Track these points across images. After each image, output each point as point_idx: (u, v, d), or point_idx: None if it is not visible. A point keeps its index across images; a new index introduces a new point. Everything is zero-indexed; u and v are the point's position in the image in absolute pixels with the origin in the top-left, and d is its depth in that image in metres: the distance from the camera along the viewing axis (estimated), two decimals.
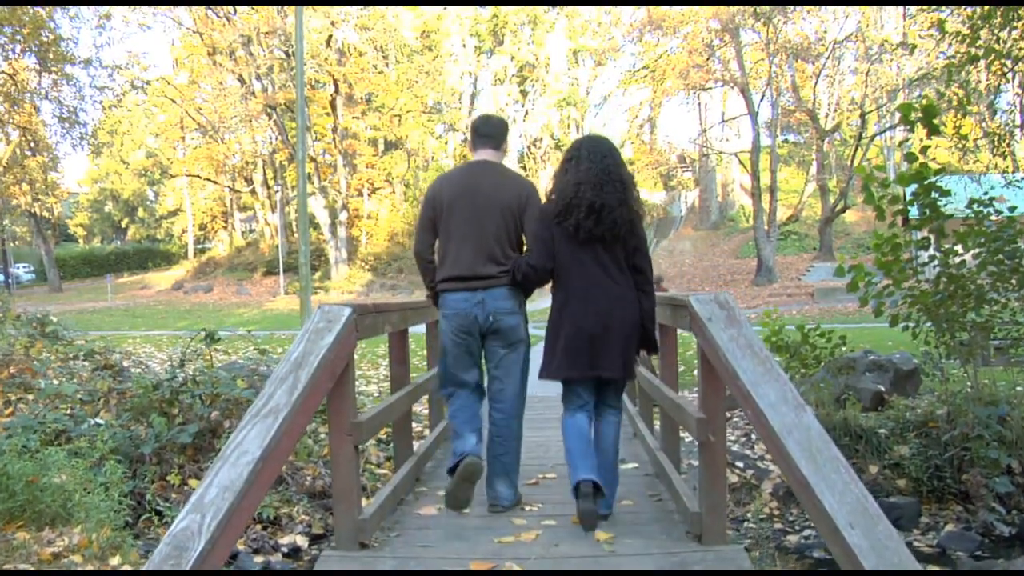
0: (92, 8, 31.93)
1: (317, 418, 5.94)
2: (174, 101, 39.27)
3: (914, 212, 6.15)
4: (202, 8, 34.66)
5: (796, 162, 41.24)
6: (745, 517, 5.72)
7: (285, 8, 31.26)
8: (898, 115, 6.48)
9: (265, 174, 42.11)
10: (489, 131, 3.88)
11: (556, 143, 42.07)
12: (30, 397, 6.45)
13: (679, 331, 4.26)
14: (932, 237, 6.11)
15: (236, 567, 4.75)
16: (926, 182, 5.89)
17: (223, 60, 35.96)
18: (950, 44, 9.46)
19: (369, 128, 38.08)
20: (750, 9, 26.26)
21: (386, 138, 39.69)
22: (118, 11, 33.55)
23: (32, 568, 3.95)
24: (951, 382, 6.65)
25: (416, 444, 4.79)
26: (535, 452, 4.99)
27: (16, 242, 48.14)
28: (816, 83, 30.59)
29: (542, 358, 3.62)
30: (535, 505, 3.91)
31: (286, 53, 33.11)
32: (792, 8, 27.73)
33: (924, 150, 6.01)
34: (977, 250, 6.07)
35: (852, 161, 29.23)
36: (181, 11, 35.80)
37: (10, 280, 39.59)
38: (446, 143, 42.79)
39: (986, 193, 6.35)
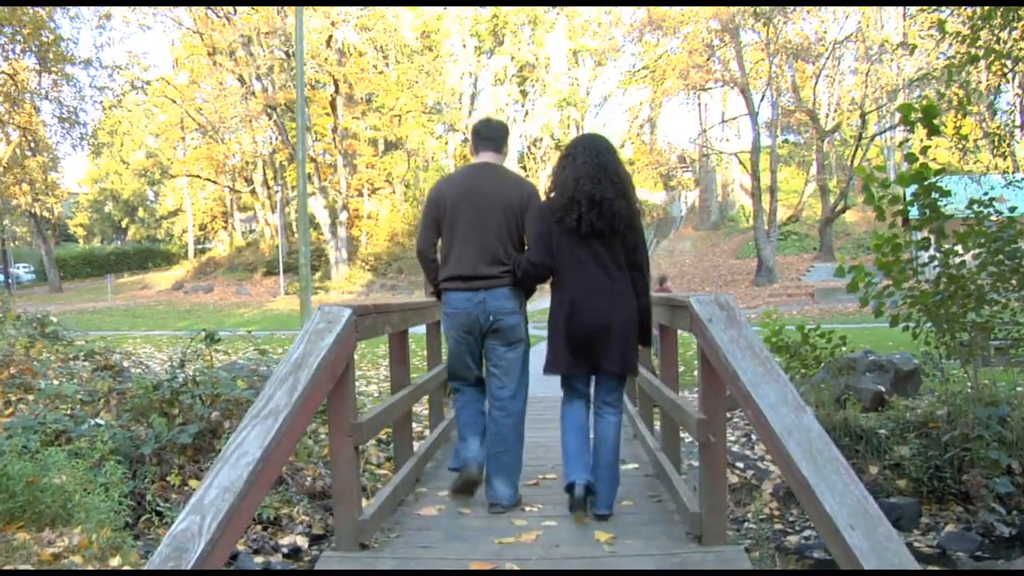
0: (92, 8, 31.99)
1: (317, 419, 5.94)
2: (174, 101, 39.29)
3: (914, 212, 6.15)
4: (202, 8, 34.68)
5: (796, 162, 41.25)
6: (745, 518, 5.72)
7: (285, 8, 31.27)
8: (898, 115, 6.48)
9: (265, 174, 42.12)
10: (491, 134, 3.94)
11: (556, 143, 42.04)
12: (30, 397, 6.44)
13: (679, 332, 4.25)
14: (932, 237, 6.11)
15: (236, 567, 4.75)
16: (926, 182, 5.89)
17: (223, 60, 35.97)
18: (950, 44, 9.47)
19: (369, 128, 38.09)
20: (750, 9, 26.27)
21: (386, 138, 39.71)
22: (118, 11, 33.62)
23: (32, 568, 3.95)
24: (951, 382, 6.65)
25: (416, 445, 4.79)
26: (535, 453, 4.98)
27: (16, 242, 48.16)
28: (816, 83, 30.61)
29: (545, 354, 3.69)
30: (535, 506, 3.91)
31: (286, 53, 33.12)
32: (792, 8, 27.74)
33: (924, 150, 6.01)
34: (977, 250, 6.07)
35: (852, 161, 29.24)
36: (181, 11, 35.86)
37: (10, 280, 39.60)
38: (446, 143, 42.78)
39: (986, 193, 6.35)
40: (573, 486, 3.55)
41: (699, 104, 37.49)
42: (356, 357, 3.59)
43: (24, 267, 47.40)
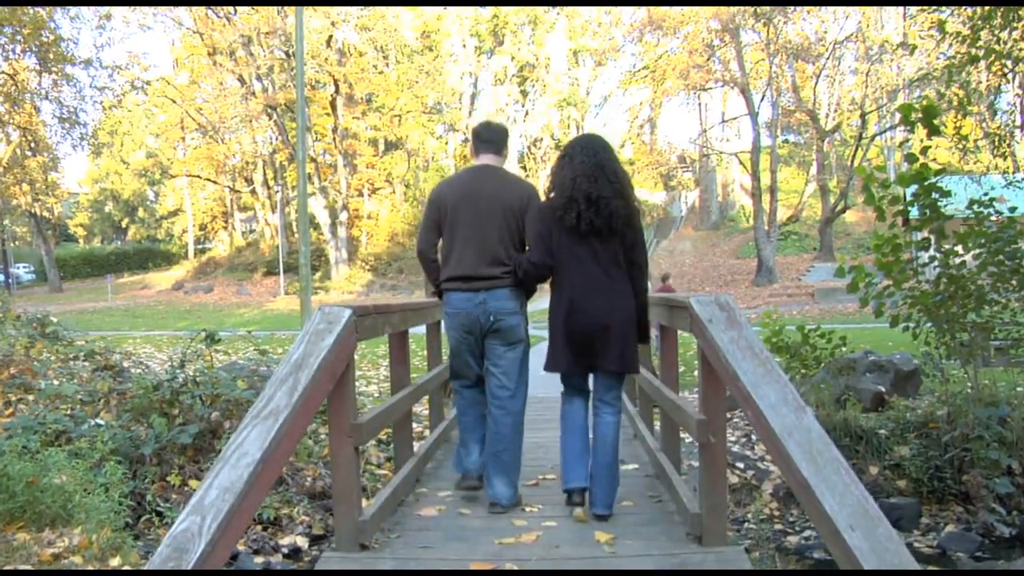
0: (92, 8, 32.00)
1: (317, 419, 5.94)
2: (174, 101, 39.29)
3: (914, 213, 6.15)
4: (202, 8, 34.68)
5: (796, 162, 41.25)
6: (745, 518, 5.72)
7: (285, 8, 31.27)
8: (898, 115, 6.48)
9: (265, 174, 42.12)
10: (491, 137, 3.99)
11: (556, 143, 42.03)
12: (30, 398, 6.44)
13: (680, 332, 4.25)
14: (932, 238, 6.11)
15: (236, 568, 4.75)
16: (926, 183, 5.89)
17: (223, 60, 35.97)
18: (950, 44, 9.47)
19: (369, 128, 38.09)
20: (750, 9, 26.27)
21: (386, 138, 39.71)
22: (118, 11, 33.62)
23: (32, 568, 3.95)
24: (951, 383, 6.65)
25: (416, 445, 4.78)
26: (535, 453, 4.98)
27: (16, 242, 48.16)
28: (816, 83, 30.61)
29: (546, 352, 3.72)
30: (535, 506, 3.91)
31: (286, 53, 33.12)
32: (792, 8, 27.75)
33: (924, 151, 6.01)
34: (977, 251, 6.07)
35: (852, 161, 29.24)
36: (181, 11, 35.86)
37: (10, 280, 39.61)
38: (446, 143, 42.79)
39: (986, 194, 6.35)
40: (571, 492, 3.69)
41: (699, 104, 37.53)
42: (356, 357, 3.59)
43: (24, 267, 47.41)
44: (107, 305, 33.31)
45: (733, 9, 27.31)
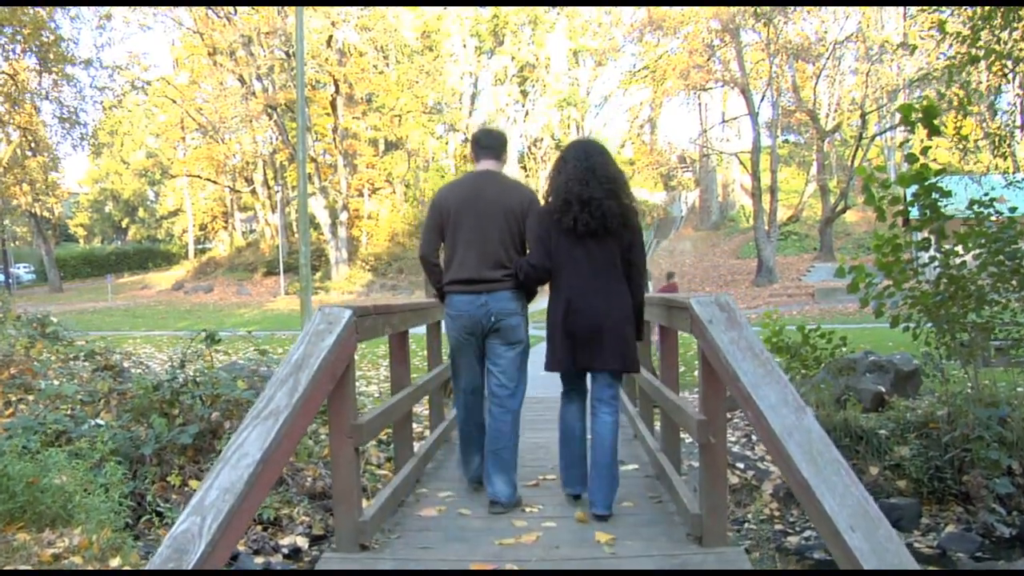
0: (92, 8, 32.00)
1: (317, 419, 5.94)
2: (174, 101, 39.28)
3: (915, 213, 6.15)
4: (202, 8, 34.67)
5: (796, 162, 41.24)
6: (746, 518, 5.72)
7: (285, 8, 31.26)
8: (898, 116, 6.48)
9: (265, 174, 42.11)
10: (491, 143, 4.08)
11: (556, 143, 42.04)
12: (30, 398, 6.45)
13: (680, 332, 4.26)
14: (933, 238, 6.11)
15: (237, 568, 4.75)
16: (927, 183, 5.89)
17: (223, 60, 35.96)
18: (951, 45, 9.47)
19: (369, 128, 38.07)
20: (750, 9, 26.27)
21: (386, 138, 39.70)
22: (118, 11, 33.61)
23: (32, 569, 3.95)
24: (951, 383, 6.65)
25: (416, 445, 4.79)
26: (535, 454, 4.98)
27: (16, 242, 48.15)
28: (816, 83, 30.61)
29: (545, 352, 3.77)
30: (535, 507, 3.91)
31: (286, 53, 33.12)
32: (792, 8, 27.74)
33: (925, 151, 6.01)
34: (978, 251, 6.07)
35: (852, 161, 29.23)
36: (181, 11, 35.84)
37: (10, 280, 39.62)
38: (446, 143, 42.81)
39: (986, 194, 6.35)
40: (570, 495, 3.94)
41: (699, 104, 37.50)
42: (356, 357, 3.60)
43: (24, 267, 47.41)
44: (107, 305, 33.31)
45: (733, 9, 27.31)
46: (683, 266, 32.55)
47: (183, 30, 37.46)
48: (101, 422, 5.72)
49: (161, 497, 5.17)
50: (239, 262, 41.56)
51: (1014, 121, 13.27)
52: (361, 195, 39.62)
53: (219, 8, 34.76)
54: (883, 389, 7.03)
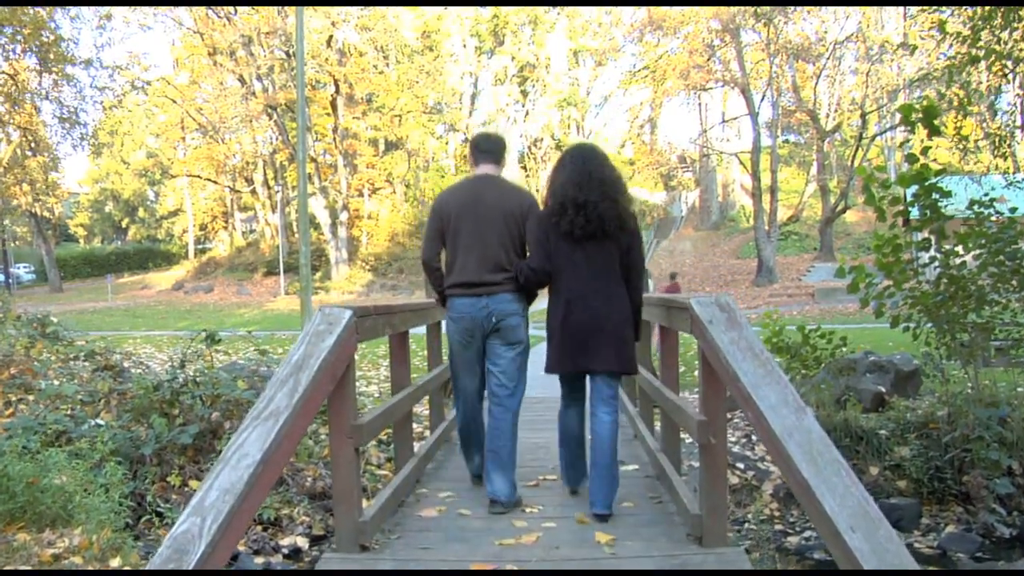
0: (92, 8, 32.00)
1: (317, 419, 5.94)
2: (174, 101, 39.27)
3: (915, 213, 6.14)
4: (202, 8, 34.66)
5: (797, 162, 41.23)
6: (746, 518, 5.72)
7: (285, 8, 31.25)
8: (899, 116, 6.48)
9: (266, 174, 42.11)
10: (490, 147, 4.13)
11: (556, 143, 42.03)
12: (31, 398, 6.45)
13: (680, 332, 4.26)
14: (933, 238, 6.11)
15: (237, 568, 4.75)
16: (927, 183, 5.89)
17: (224, 60, 35.96)
18: (951, 45, 9.47)
19: (370, 128, 38.06)
20: (750, 9, 26.27)
21: (387, 138, 39.68)
22: (118, 11, 33.61)
23: (32, 569, 3.95)
24: (952, 383, 6.65)
25: (417, 445, 4.79)
26: (535, 454, 4.98)
27: (17, 242, 48.16)
28: (817, 83, 30.60)
29: (545, 354, 3.82)
30: (535, 507, 3.91)
31: (287, 53, 33.11)
32: (792, 8, 27.74)
33: (925, 151, 6.01)
34: (978, 251, 6.07)
35: (853, 161, 29.22)
36: (181, 11, 35.84)
37: (11, 280, 39.63)
38: (446, 143, 42.80)
39: (987, 194, 6.35)
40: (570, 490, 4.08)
41: (699, 104, 37.48)
42: (356, 357, 3.60)
43: (24, 267, 47.41)
44: (107, 305, 33.30)
45: (733, 9, 27.30)
46: (683, 266, 32.55)
47: (183, 30, 37.48)
48: (101, 422, 5.72)
49: (161, 497, 5.17)
50: (239, 262, 41.55)
51: (1014, 121, 13.27)
52: (361, 195, 39.61)
53: (219, 8, 34.76)
54: (883, 389, 7.03)
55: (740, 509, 5.84)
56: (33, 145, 33.70)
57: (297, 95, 16.76)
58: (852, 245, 30.61)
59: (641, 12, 33.76)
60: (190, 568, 1.89)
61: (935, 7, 10.56)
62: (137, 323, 26.92)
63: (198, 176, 43.45)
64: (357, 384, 4.73)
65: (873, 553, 1.87)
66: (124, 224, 58.36)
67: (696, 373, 4.13)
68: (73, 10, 31.08)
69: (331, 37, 34.81)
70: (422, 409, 7.08)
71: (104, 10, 32.48)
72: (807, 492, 2.11)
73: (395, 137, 39.05)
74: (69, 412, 5.99)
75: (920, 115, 5.97)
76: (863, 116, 29.61)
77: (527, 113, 42.73)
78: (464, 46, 40.23)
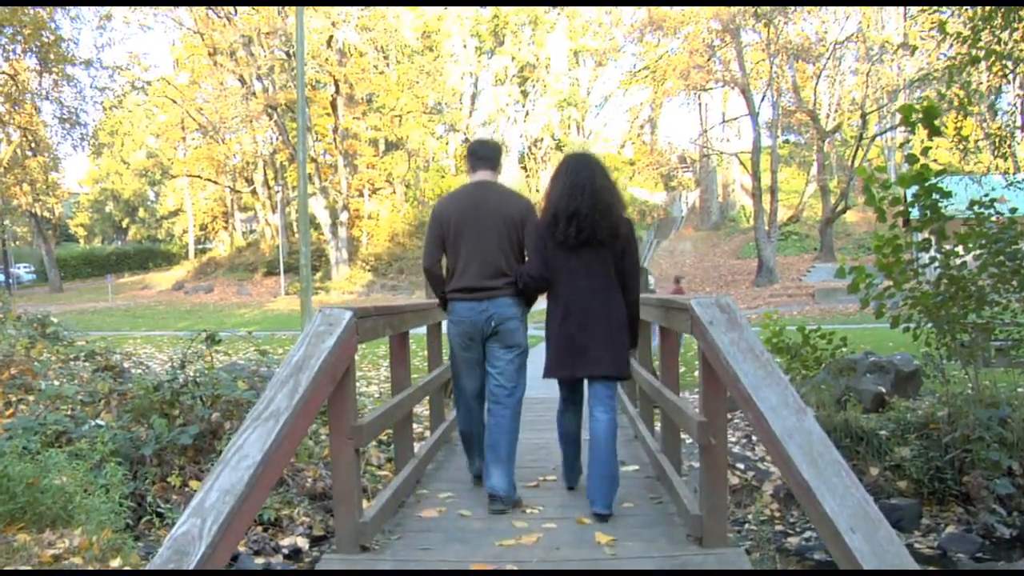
0: (93, 9, 32.03)
1: (318, 419, 5.94)
2: (175, 101, 39.28)
3: (915, 213, 6.14)
4: (203, 8, 34.66)
5: (797, 163, 41.24)
6: (746, 519, 5.72)
7: (286, 8, 31.25)
8: (899, 116, 6.48)
9: (266, 174, 42.11)
10: (487, 154, 4.21)
11: (557, 144, 42.05)
12: (31, 398, 6.45)
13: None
14: (933, 238, 6.11)
15: (237, 568, 4.75)
16: (927, 183, 5.89)
17: (224, 60, 35.96)
18: (951, 45, 9.47)
19: (370, 128, 38.06)
20: (750, 9, 26.28)
21: (387, 138, 39.68)
22: (119, 12, 33.63)
23: (32, 569, 3.95)
24: (952, 384, 6.64)
25: (417, 446, 4.79)
26: (536, 455, 4.98)
27: (17, 242, 48.17)
28: (817, 84, 30.61)
29: (544, 358, 3.88)
30: (536, 508, 3.91)
31: (287, 53, 33.11)
32: (792, 8, 27.74)
33: (925, 151, 6.01)
34: (978, 252, 6.07)
35: (853, 162, 29.22)
36: (182, 11, 35.85)
37: (11, 280, 39.62)
38: (447, 143, 42.79)
39: (987, 194, 6.35)
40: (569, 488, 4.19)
41: (700, 104, 37.50)
42: (356, 358, 3.60)
43: (25, 267, 47.41)
44: (107, 305, 33.30)
45: (733, 9, 27.31)
46: (683, 266, 32.57)
47: (183, 30, 37.49)
48: (101, 423, 5.72)
49: (161, 498, 5.17)
50: (239, 262, 41.55)
51: (1014, 121, 13.27)
52: (361, 195, 39.61)
53: (219, 8, 34.76)
54: (883, 390, 7.03)
55: (740, 510, 5.84)
56: (33, 145, 33.73)
57: (297, 95, 16.76)
58: (852, 245, 30.62)
59: (641, 12, 33.80)
60: (190, 569, 1.89)
61: (935, 7, 10.55)
62: (137, 323, 26.92)
63: (198, 176, 43.46)
64: (357, 384, 4.73)
65: (873, 554, 1.87)
66: (124, 224, 58.36)
67: (696, 373, 4.13)
68: (73, 10, 31.14)
69: (331, 37, 34.81)
70: (422, 410, 7.08)
71: (104, 10, 32.54)
72: (807, 493, 2.11)
73: (395, 137, 39.05)
74: (69, 412, 5.99)
75: (920, 115, 5.97)
76: (863, 116, 29.60)
77: (527, 113, 42.73)
78: (464, 46, 40.23)
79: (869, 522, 1.96)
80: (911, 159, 6.00)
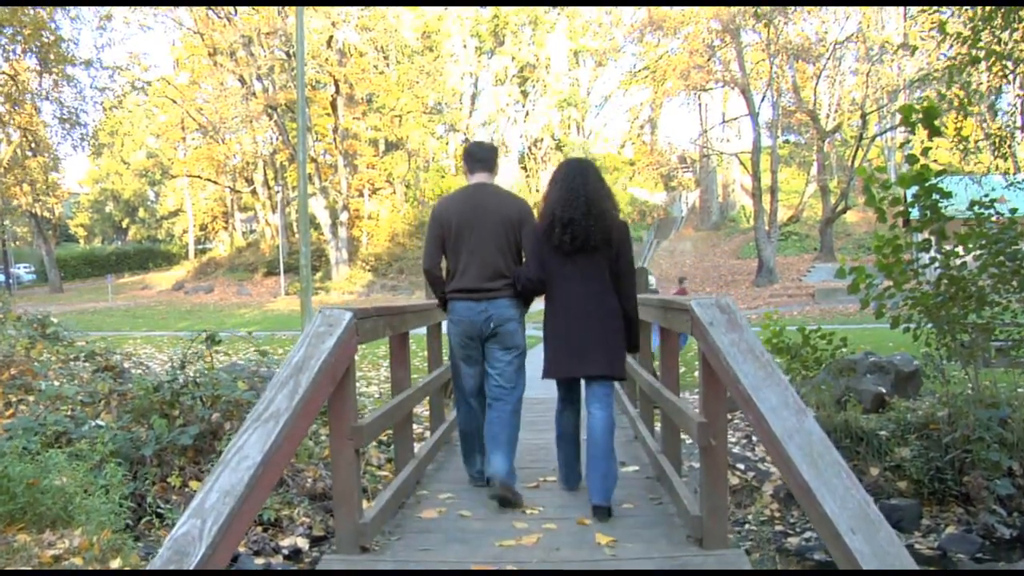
0: (92, 9, 32.06)
1: (318, 419, 5.94)
2: (175, 102, 39.28)
3: (915, 214, 6.14)
4: (203, 9, 34.67)
5: (797, 163, 41.23)
6: (746, 519, 5.72)
7: (286, 8, 31.26)
8: (899, 116, 6.48)
9: (266, 174, 42.11)
10: (484, 156, 4.28)
11: (557, 144, 42.05)
12: (31, 399, 6.45)
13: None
14: (933, 239, 6.11)
15: (237, 568, 4.75)
16: (927, 184, 5.88)
17: (224, 60, 35.96)
18: (951, 45, 9.45)
19: (370, 129, 38.06)
20: (750, 10, 26.26)
21: (387, 139, 39.68)
22: (119, 12, 33.65)
23: (32, 569, 3.95)
24: (952, 384, 6.64)
25: (417, 447, 4.78)
26: (536, 455, 4.98)
27: (17, 242, 48.17)
28: (817, 84, 30.61)
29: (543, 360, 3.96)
30: (536, 508, 3.91)
31: (287, 53, 33.11)
32: (792, 9, 27.74)
33: (925, 151, 6.01)
34: (978, 252, 6.07)
35: (853, 162, 29.23)
36: (182, 12, 35.85)
37: (11, 280, 39.63)
38: (447, 143, 42.78)
39: (987, 195, 6.35)
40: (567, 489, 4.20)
41: (700, 104, 37.51)
42: (356, 358, 3.60)
43: (25, 267, 47.40)
44: (107, 305, 33.29)
45: (733, 9, 27.31)
46: (683, 266, 32.59)
47: (183, 30, 37.50)
48: (101, 423, 5.72)
49: (161, 498, 5.17)
50: (239, 262, 41.55)
51: (1014, 122, 13.27)
52: (361, 195, 39.61)
53: (219, 8, 34.76)
54: (883, 390, 7.03)
55: (740, 510, 5.84)
56: (33, 145, 33.74)
57: (297, 95, 16.76)
58: (852, 245, 30.62)
59: (641, 12, 33.81)
60: (190, 569, 1.89)
61: (935, 8, 10.55)
62: (137, 323, 26.92)
63: (198, 176, 43.46)
64: (357, 385, 4.73)
65: (874, 555, 1.87)
66: (124, 224, 58.35)
67: (696, 374, 4.13)
68: (73, 10, 31.17)
69: (331, 37, 34.80)
70: (422, 410, 7.08)
71: (104, 10, 32.56)
72: (808, 494, 2.11)
73: (395, 137, 39.04)
74: (69, 413, 5.99)
75: (920, 116, 5.97)
76: (863, 116, 29.61)
77: (527, 113, 42.72)
78: (464, 46, 40.23)
79: (869, 523, 1.96)
80: (911, 159, 6.00)
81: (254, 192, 43.33)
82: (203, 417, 5.74)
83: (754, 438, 6.69)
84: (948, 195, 5.93)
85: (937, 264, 6.09)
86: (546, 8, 40.35)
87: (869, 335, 13.32)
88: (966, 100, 8.77)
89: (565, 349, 3.83)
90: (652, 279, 13.40)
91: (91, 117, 36.01)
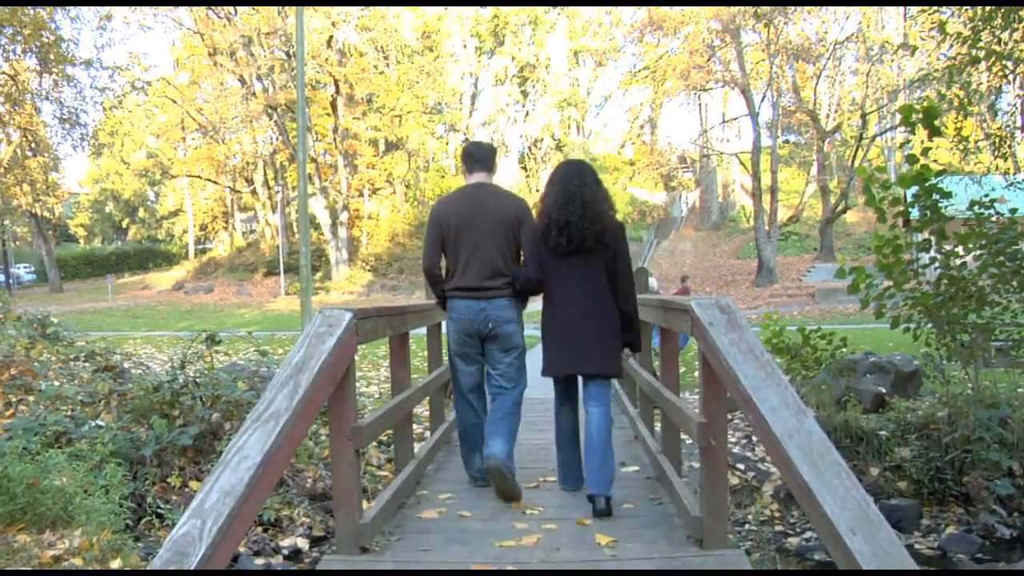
0: (92, 9, 32.07)
1: (318, 420, 5.94)
2: (175, 101, 39.28)
3: (915, 214, 6.14)
4: (203, 9, 34.67)
5: (797, 163, 41.23)
6: (746, 519, 5.72)
7: (286, 8, 31.26)
8: (899, 116, 6.48)
9: (266, 174, 42.11)
10: (482, 155, 4.31)
11: (557, 144, 42.05)
12: (31, 399, 6.45)
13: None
14: (933, 239, 6.10)
15: (237, 568, 4.75)
16: (927, 184, 5.88)
17: (224, 60, 35.96)
18: (951, 45, 9.45)
19: (370, 129, 38.05)
20: (750, 9, 26.27)
21: (387, 139, 39.68)
22: (119, 12, 33.65)
23: (32, 570, 3.95)
24: (952, 384, 6.64)
25: (417, 447, 4.78)
26: (536, 455, 4.98)
27: (17, 242, 48.16)
28: (817, 84, 30.61)
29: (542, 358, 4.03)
30: (536, 508, 3.91)
31: (287, 54, 33.11)
32: (792, 9, 27.74)
33: (925, 151, 6.01)
34: (978, 252, 6.06)
35: (853, 162, 29.22)
36: (182, 12, 35.86)
37: (11, 280, 39.62)
38: (447, 143, 42.77)
39: (987, 195, 6.35)
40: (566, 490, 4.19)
41: (700, 104, 37.51)
42: (356, 358, 3.60)
43: (25, 267, 47.40)
44: (107, 305, 33.29)
45: (733, 9, 27.31)
46: (683, 266, 32.56)
47: (183, 30, 37.49)
48: (101, 423, 5.72)
49: (161, 498, 5.17)
50: (239, 262, 41.55)
51: (1014, 122, 13.27)
52: (361, 195, 39.61)
53: (219, 8, 34.76)
54: (883, 390, 7.03)
55: (740, 510, 5.84)
56: (33, 145, 33.74)
57: (297, 95, 16.76)
58: (852, 245, 30.62)
59: (641, 12, 33.82)
60: (191, 569, 1.89)
61: (935, 8, 10.55)
62: (137, 323, 26.91)
63: (198, 176, 43.46)
64: (357, 385, 4.73)
65: (874, 556, 1.87)
66: (124, 224, 58.35)
67: (696, 374, 4.13)
68: (73, 10, 31.17)
69: (331, 37, 34.80)
70: (422, 410, 7.07)
71: (104, 10, 32.57)
72: (808, 495, 2.11)
73: (395, 137, 39.04)
74: (69, 413, 5.99)
75: (920, 116, 5.97)
76: (863, 116, 29.61)
77: (527, 113, 42.72)
78: (464, 46, 40.22)
79: (869, 523, 1.96)
80: (911, 159, 6.00)
81: (254, 192, 43.32)
82: (203, 417, 5.74)
83: (754, 438, 6.69)
84: (948, 195, 5.93)
85: (937, 264, 6.09)
86: (546, 8, 40.35)
87: (869, 335, 13.33)
88: (966, 100, 8.77)
89: (562, 348, 3.89)
90: (652, 280, 13.38)
91: (91, 117, 36.09)
